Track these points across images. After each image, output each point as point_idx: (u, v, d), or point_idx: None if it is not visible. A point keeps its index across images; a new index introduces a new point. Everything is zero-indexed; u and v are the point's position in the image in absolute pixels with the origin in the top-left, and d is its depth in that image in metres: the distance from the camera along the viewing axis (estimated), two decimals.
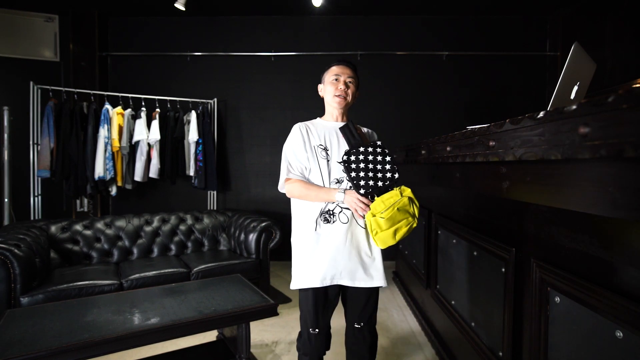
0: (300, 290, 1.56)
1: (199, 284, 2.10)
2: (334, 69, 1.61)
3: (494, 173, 1.33)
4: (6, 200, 3.40)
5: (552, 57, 4.25)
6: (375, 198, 1.45)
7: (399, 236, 1.41)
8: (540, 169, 1.04)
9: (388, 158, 1.53)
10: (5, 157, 3.38)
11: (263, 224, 3.01)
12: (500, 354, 1.44)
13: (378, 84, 4.35)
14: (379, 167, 1.50)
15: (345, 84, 1.58)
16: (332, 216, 1.52)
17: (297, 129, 1.58)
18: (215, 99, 4.22)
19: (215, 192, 4.24)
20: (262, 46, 4.31)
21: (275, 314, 1.81)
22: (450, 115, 4.32)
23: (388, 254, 4.23)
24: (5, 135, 3.38)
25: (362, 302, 1.57)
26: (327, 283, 1.50)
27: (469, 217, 1.79)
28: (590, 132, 0.72)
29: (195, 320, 1.62)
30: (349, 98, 1.60)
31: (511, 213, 1.38)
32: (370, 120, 4.39)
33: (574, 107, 0.76)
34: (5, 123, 3.38)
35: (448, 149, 1.59)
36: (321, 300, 1.54)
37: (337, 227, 1.51)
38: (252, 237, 2.98)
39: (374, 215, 1.41)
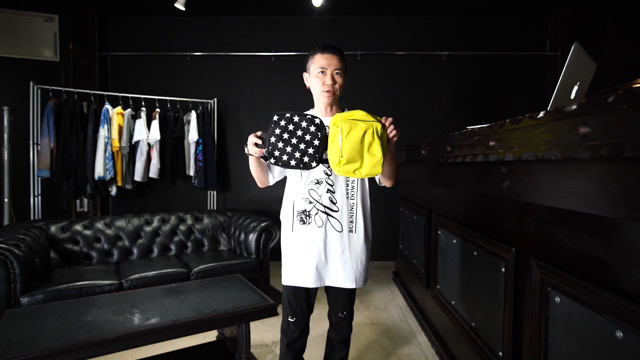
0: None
1: (199, 284, 2.10)
2: (319, 60, 1.49)
3: (494, 173, 1.33)
4: (6, 200, 3.40)
5: (552, 57, 4.25)
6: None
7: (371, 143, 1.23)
8: (540, 169, 1.04)
9: (316, 142, 1.33)
10: (5, 157, 3.38)
11: (263, 224, 3.01)
12: (500, 354, 1.44)
13: (378, 84, 4.35)
14: (301, 145, 1.34)
15: (332, 77, 1.48)
16: (307, 217, 1.50)
17: None
18: (215, 99, 4.22)
19: (215, 192, 4.24)
20: (262, 46, 4.30)
21: (275, 314, 1.81)
22: (450, 115, 4.32)
23: (388, 254, 4.29)
24: (5, 135, 3.38)
25: (337, 298, 1.61)
26: (300, 284, 1.52)
27: (469, 217, 1.79)
28: (590, 132, 0.72)
29: (195, 320, 1.62)
30: (338, 92, 1.51)
31: (511, 213, 1.38)
32: None
33: (574, 107, 0.76)
34: (5, 123, 3.38)
35: (448, 149, 1.60)
36: (297, 295, 1.57)
37: (312, 229, 1.49)
38: (252, 237, 2.98)
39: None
